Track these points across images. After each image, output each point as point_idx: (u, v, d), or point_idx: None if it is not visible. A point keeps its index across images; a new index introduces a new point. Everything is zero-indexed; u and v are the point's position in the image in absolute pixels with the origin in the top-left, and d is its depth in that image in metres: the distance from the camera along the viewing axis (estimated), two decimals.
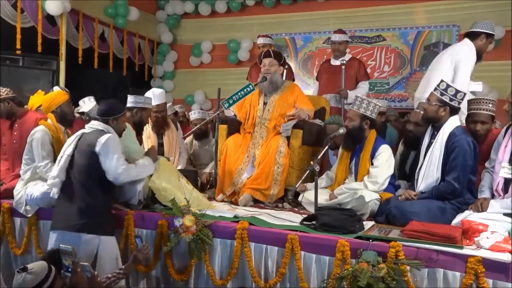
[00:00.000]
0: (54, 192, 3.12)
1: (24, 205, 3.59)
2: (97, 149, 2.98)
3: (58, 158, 3.14)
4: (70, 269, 2.48)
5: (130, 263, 2.84)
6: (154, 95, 4.20)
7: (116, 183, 3.09)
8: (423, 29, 6.40)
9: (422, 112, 3.78)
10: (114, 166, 2.99)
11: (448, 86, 3.22)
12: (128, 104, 3.92)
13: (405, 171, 3.87)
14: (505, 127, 3.22)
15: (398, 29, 6.53)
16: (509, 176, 2.98)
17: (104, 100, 3.33)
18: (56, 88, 4.73)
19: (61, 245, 2.56)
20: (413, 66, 6.47)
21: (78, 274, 2.46)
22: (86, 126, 3.18)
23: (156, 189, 3.33)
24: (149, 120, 4.22)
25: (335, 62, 5.23)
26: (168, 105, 5.46)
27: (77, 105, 4.83)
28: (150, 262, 3.23)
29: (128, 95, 3.91)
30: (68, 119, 3.83)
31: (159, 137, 4.30)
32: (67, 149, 3.10)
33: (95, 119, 3.19)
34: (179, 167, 4.21)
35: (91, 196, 3.03)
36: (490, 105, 3.33)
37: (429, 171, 3.23)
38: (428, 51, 6.40)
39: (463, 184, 3.12)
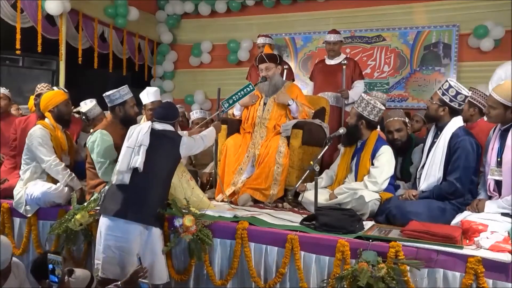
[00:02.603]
0: (126, 181, 3.01)
1: (24, 205, 3.60)
2: (182, 152, 3.19)
3: (128, 147, 3.07)
4: (57, 279, 2.47)
5: (128, 279, 2.72)
6: (148, 93, 4.13)
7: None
8: (423, 29, 6.39)
9: (396, 118, 3.84)
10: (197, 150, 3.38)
11: (450, 87, 3.21)
12: (109, 105, 3.66)
13: (396, 175, 3.85)
14: (492, 129, 3.21)
15: (398, 29, 6.52)
16: (497, 178, 2.98)
17: (164, 104, 3.46)
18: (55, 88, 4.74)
19: (49, 254, 2.55)
20: (413, 66, 6.47)
21: (65, 283, 2.44)
22: (156, 124, 3.18)
23: None
24: (144, 120, 4.14)
25: (330, 62, 5.24)
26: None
27: (77, 105, 4.84)
28: None
29: (104, 96, 3.67)
30: (64, 119, 3.81)
31: None
32: (142, 140, 3.05)
33: (159, 122, 3.21)
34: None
35: (164, 189, 3.13)
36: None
37: (431, 171, 3.23)
38: (428, 51, 6.39)
39: (465, 184, 3.12)
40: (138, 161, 2.99)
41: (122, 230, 2.93)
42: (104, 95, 3.60)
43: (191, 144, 3.25)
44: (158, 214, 3.06)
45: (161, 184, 3.10)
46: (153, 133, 3.11)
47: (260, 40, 5.61)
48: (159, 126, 3.18)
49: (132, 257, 2.92)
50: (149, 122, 3.21)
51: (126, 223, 2.93)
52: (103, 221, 3.01)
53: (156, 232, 3.04)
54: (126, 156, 3.05)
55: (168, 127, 3.20)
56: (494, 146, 3.07)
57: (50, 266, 2.49)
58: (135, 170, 3.00)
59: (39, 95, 4.23)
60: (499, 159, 3.00)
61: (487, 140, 3.20)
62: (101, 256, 2.96)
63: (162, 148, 3.09)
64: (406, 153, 3.86)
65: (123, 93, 3.56)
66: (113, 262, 2.93)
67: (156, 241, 3.04)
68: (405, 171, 3.85)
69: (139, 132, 3.10)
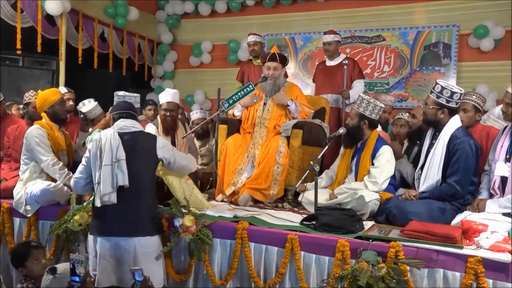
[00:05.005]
0: (113, 200, 2.82)
1: (24, 204, 3.60)
2: (160, 155, 3.03)
3: (106, 164, 2.82)
4: (79, 279, 2.46)
5: None
6: (167, 93, 4.07)
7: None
8: (423, 29, 6.40)
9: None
10: (188, 163, 3.22)
11: (443, 88, 3.19)
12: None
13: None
14: (502, 129, 3.22)
15: (398, 29, 6.52)
16: (504, 174, 2.99)
17: (121, 101, 3.28)
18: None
19: (71, 254, 2.53)
20: (413, 66, 6.47)
21: (87, 283, 2.45)
22: (123, 125, 2.98)
23: (162, 176, 3.34)
24: (159, 121, 4.11)
25: (330, 63, 5.24)
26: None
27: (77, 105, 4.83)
28: None
29: (115, 93, 3.70)
30: (59, 118, 3.78)
31: (171, 140, 4.10)
32: (118, 154, 2.84)
33: (126, 117, 3.04)
34: None
35: (151, 196, 3.01)
36: (474, 97, 3.47)
37: (430, 172, 3.22)
38: (428, 51, 6.40)
39: (464, 186, 3.12)
40: (123, 178, 2.82)
41: (115, 243, 2.83)
42: (116, 93, 3.57)
43: (168, 146, 3.10)
44: (153, 222, 2.97)
45: (146, 192, 2.94)
46: (124, 140, 2.90)
47: (252, 38, 5.59)
48: (126, 123, 2.99)
49: (128, 265, 2.82)
50: (112, 130, 2.95)
51: (119, 238, 2.84)
52: (95, 239, 2.89)
53: (152, 240, 2.93)
54: (107, 175, 2.81)
55: (136, 124, 3.03)
56: (504, 144, 3.07)
57: (71, 265, 2.47)
58: (119, 186, 2.83)
59: (27, 104, 4.20)
60: (507, 156, 3.01)
61: (495, 139, 3.21)
62: (96, 266, 2.85)
63: (138, 155, 2.92)
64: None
65: (129, 100, 3.53)
66: (108, 271, 2.84)
67: (152, 249, 2.93)
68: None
69: (111, 145, 2.86)
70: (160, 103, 4.13)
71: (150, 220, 2.95)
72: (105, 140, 2.88)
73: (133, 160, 2.89)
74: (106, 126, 3.55)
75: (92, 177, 2.87)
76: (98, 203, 2.82)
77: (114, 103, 3.56)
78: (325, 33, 5.24)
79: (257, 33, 5.75)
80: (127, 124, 3.00)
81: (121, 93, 3.51)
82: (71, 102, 4.56)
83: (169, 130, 4.12)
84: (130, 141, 2.93)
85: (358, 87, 5.05)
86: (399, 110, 5.67)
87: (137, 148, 2.94)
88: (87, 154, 2.94)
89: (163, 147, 3.04)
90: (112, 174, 2.82)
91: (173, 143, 4.12)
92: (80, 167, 2.97)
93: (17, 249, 2.93)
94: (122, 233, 2.84)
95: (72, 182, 3.08)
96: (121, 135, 2.92)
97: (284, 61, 4.25)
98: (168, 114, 4.07)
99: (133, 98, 3.50)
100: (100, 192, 2.80)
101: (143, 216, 2.91)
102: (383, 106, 3.64)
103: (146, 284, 2.62)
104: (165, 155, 3.05)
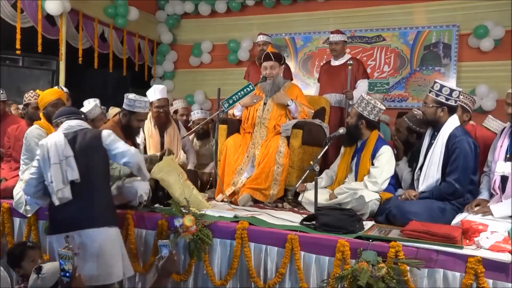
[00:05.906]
0: (67, 195, 2.83)
1: (24, 205, 3.60)
2: (106, 143, 2.99)
3: (54, 163, 2.85)
4: (69, 274, 2.45)
5: (157, 279, 2.64)
6: (156, 90, 4.07)
7: (131, 165, 3.10)
8: (423, 29, 6.39)
9: (405, 119, 3.82)
10: (127, 148, 3.05)
11: (442, 86, 3.21)
12: (123, 105, 3.68)
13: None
14: (500, 129, 3.23)
15: (398, 29, 6.52)
16: (504, 173, 2.99)
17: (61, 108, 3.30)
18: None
19: (59, 249, 2.52)
20: (413, 66, 6.47)
21: (76, 279, 2.44)
22: (68, 125, 3.01)
23: (160, 179, 3.35)
24: (151, 118, 4.11)
25: (335, 63, 5.24)
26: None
27: (77, 105, 4.82)
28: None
29: (125, 95, 3.73)
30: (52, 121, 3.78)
31: (161, 134, 4.12)
32: (64, 152, 2.87)
33: (72, 118, 3.08)
34: (189, 167, 4.20)
35: (106, 189, 3.04)
36: (461, 97, 3.43)
37: (430, 172, 3.23)
38: (428, 51, 6.39)
39: (464, 185, 3.12)
40: (73, 173, 2.84)
41: (74, 238, 2.80)
42: (126, 95, 3.58)
43: (112, 135, 3.05)
44: (109, 213, 2.98)
45: (100, 185, 2.97)
46: (70, 139, 2.94)
47: (261, 38, 5.64)
48: (71, 123, 3.03)
49: (89, 260, 2.81)
50: (57, 132, 3.00)
51: (76, 232, 2.82)
52: (55, 238, 2.87)
53: (111, 231, 2.93)
54: (57, 173, 2.83)
55: (82, 123, 3.07)
56: (503, 144, 3.09)
57: (60, 262, 2.46)
58: (71, 182, 2.85)
59: (27, 105, 4.20)
60: (508, 156, 3.02)
61: (494, 140, 3.22)
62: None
63: (86, 150, 2.95)
64: None
65: (139, 104, 3.53)
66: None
67: (113, 240, 2.93)
68: None
69: (56, 145, 2.88)
70: (151, 100, 4.08)
71: (107, 211, 2.96)
72: (50, 142, 2.90)
73: (82, 156, 2.91)
74: (114, 126, 3.55)
75: (43, 177, 2.89)
76: (56, 202, 2.83)
77: (123, 105, 3.59)
78: (331, 32, 5.25)
79: (266, 33, 5.77)
80: (72, 124, 3.03)
81: (131, 96, 3.53)
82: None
83: (163, 125, 4.12)
84: (76, 138, 2.96)
85: (362, 87, 5.05)
86: (398, 110, 5.69)
87: (84, 144, 2.96)
88: (35, 163, 2.96)
89: (108, 136, 3.02)
90: (61, 171, 2.84)
91: (162, 138, 4.11)
92: (32, 169, 2.99)
93: (13, 249, 2.93)
94: (79, 226, 2.84)
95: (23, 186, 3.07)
96: (66, 135, 2.96)
97: (279, 59, 4.24)
98: (161, 110, 4.08)
99: (143, 102, 3.52)
100: (54, 190, 2.82)
101: (99, 208, 2.91)
102: (383, 108, 3.64)
103: (172, 258, 2.61)
104: (107, 143, 3.01)
